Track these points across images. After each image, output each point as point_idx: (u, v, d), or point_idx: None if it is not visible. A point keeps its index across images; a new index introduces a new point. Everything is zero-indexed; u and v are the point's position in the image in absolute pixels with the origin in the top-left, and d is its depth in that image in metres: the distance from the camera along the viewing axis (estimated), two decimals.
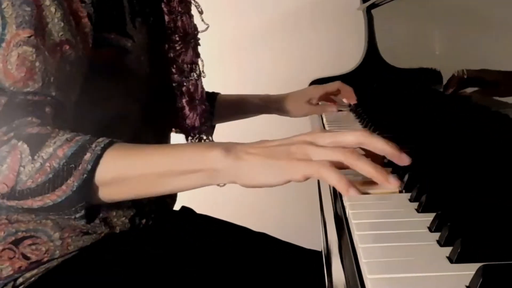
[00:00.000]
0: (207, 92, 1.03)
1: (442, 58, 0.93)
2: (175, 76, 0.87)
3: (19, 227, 0.73)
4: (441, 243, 0.43)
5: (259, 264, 0.84)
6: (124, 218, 0.80)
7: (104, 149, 0.63)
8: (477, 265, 0.36)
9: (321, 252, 0.57)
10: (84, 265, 0.76)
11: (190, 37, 0.88)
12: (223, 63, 1.06)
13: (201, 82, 0.93)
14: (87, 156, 0.62)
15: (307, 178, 0.57)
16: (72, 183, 0.62)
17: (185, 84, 0.88)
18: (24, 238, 0.73)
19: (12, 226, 0.73)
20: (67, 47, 0.67)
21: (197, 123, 0.90)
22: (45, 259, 0.74)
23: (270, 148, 0.59)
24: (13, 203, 0.65)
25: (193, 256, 0.82)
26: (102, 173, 0.62)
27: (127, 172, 0.63)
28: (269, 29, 1.91)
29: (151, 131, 0.86)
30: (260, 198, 2.01)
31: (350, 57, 1.54)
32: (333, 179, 0.55)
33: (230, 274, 0.80)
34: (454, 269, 0.39)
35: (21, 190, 0.63)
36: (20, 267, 0.73)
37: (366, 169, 0.57)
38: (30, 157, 0.62)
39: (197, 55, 0.92)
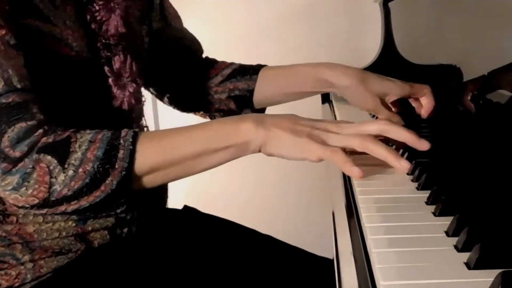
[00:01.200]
0: (246, 66, 1.00)
1: (463, 54, 0.92)
2: (102, 51, 0.78)
3: None
4: (459, 248, 0.43)
5: (264, 267, 0.84)
6: (102, 231, 0.77)
7: (134, 143, 0.66)
8: (496, 272, 0.36)
9: (332, 259, 0.58)
10: (60, 286, 0.74)
11: (114, 3, 0.77)
12: (231, 57, 1.06)
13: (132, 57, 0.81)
14: (121, 153, 0.65)
15: (320, 160, 0.63)
16: (111, 182, 0.65)
17: (111, 59, 0.79)
18: None
19: None
20: (3, 31, 0.65)
21: (125, 105, 0.80)
22: (16, 284, 0.73)
23: (296, 126, 0.65)
24: (43, 211, 0.67)
25: (194, 255, 0.82)
26: (139, 166, 0.66)
27: (163, 159, 0.67)
28: (281, 22, 1.90)
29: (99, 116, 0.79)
30: (269, 200, 2.01)
31: (366, 52, 1.53)
32: (340, 160, 0.62)
33: (232, 276, 0.80)
34: (472, 275, 0.39)
35: (56, 200, 0.65)
36: None
37: (379, 151, 0.63)
38: (60, 167, 0.64)
39: (127, 24, 0.80)
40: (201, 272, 0.79)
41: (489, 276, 0.37)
